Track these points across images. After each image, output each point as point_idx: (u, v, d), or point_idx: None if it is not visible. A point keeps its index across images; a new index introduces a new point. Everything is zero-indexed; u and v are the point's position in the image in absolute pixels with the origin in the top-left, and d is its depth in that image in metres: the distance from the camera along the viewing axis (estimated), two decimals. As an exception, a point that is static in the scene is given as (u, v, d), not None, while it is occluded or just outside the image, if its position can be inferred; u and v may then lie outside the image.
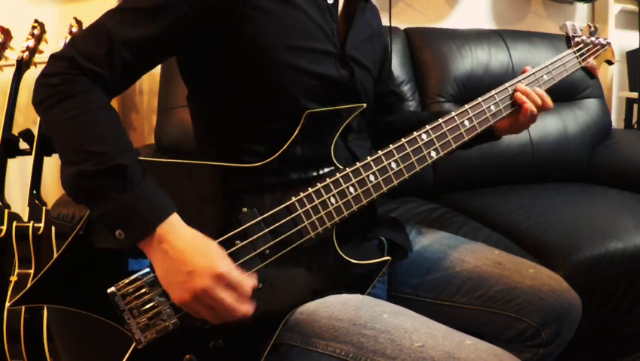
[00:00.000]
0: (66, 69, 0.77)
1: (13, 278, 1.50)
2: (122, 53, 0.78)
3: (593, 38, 1.19)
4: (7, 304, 1.47)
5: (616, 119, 2.70)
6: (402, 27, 2.04)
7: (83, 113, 0.75)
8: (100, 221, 0.73)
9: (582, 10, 2.61)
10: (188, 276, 0.70)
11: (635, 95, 2.54)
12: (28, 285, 0.76)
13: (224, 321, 0.74)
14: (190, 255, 0.71)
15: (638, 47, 2.52)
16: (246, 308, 0.74)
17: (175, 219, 0.74)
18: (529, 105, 0.98)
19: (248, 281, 0.74)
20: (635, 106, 2.64)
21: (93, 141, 0.73)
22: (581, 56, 1.14)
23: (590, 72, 1.19)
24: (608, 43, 1.22)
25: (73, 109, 0.75)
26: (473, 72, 1.97)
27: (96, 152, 0.72)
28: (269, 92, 0.86)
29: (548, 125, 2.02)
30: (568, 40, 1.16)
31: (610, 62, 1.24)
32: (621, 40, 2.61)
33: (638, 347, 1.64)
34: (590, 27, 1.20)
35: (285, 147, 0.84)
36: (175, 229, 0.73)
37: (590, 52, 1.17)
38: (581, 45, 1.15)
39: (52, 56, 0.79)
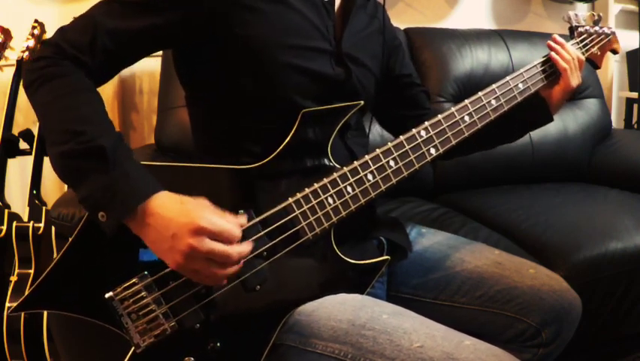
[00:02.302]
0: (52, 54, 0.79)
1: (13, 278, 1.50)
2: (104, 42, 0.79)
3: (597, 28, 1.15)
4: (7, 304, 1.48)
5: (616, 119, 2.70)
6: (402, 27, 2.03)
7: (65, 93, 0.76)
8: (84, 203, 0.73)
9: (582, 10, 2.61)
10: (173, 239, 0.70)
11: (635, 95, 2.54)
12: (27, 292, 0.76)
13: (228, 272, 0.73)
14: (170, 219, 0.71)
15: (638, 46, 2.52)
16: (239, 250, 0.73)
17: (159, 197, 0.73)
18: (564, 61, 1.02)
19: (232, 224, 0.73)
20: (635, 106, 2.64)
21: (74, 121, 0.74)
22: (584, 46, 1.11)
23: (594, 62, 1.16)
24: (613, 33, 1.18)
25: (56, 89, 0.77)
26: (473, 72, 1.97)
27: (76, 131, 0.73)
28: (266, 91, 0.86)
29: (548, 126, 1.99)
30: (571, 31, 1.12)
31: (615, 52, 1.20)
32: (621, 40, 2.59)
33: (638, 347, 1.64)
34: (593, 16, 1.15)
35: (281, 146, 0.84)
36: (157, 202, 0.72)
37: (594, 42, 1.13)
38: (585, 35, 1.12)
39: (42, 42, 0.82)
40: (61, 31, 0.82)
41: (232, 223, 0.73)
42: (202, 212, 0.71)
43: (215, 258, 0.71)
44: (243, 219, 0.76)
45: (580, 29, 1.12)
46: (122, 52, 0.83)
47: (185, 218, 0.70)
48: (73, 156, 0.73)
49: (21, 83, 1.63)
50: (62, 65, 0.78)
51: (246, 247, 0.74)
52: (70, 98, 0.76)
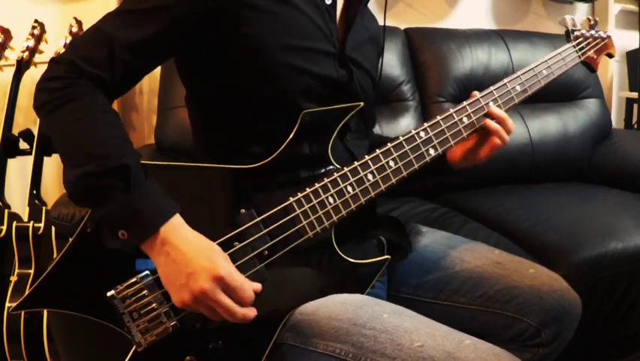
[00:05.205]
0: (67, 73, 0.77)
1: (13, 278, 1.50)
2: (122, 56, 0.78)
3: (592, 32, 1.17)
4: (7, 304, 1.48)
5: (616, 119, 2.70)
6: (402, 27, 2.04)
7: (85, 116, 0.76)
8: (102, 221, 0.73)
9: (582, 10, 2.61)
10: (189, 277, 0.71)
11: (635, 95, 2.54)
12: (28, 290, 0.77)
13: (223, 320, 0.74)
14: (192, 257, 0.72)
15: (638, 46, 2.52)
16: (244, 312, 0.74)
17: (178, 220, 0.74)
18: (503, 134, 0.94)
19: (248, 286, 0.74)
20: (635, 106, 2.64)
21: (96, 144, 0.74)
22: (580, 50, 1.12)
23: (590, 66, 1.18)
24: (608, 37, 1.20)
25: (75, 112, 0.76)
26: (473, 72, 1.97)
27: (99, 154, 0.73)
28: (267, 91, 0.86)
29: (548, 126, 2.02)
30: (567, 35, 1.14)
31: (610, 55, 1.22)
32: (621, 40, 2.61)
33: (638, 347, 1.64)
34: (589, 20, 1.18)
35: (282, 147, 0.84)
36: (178, 230, 0.73)
37: (590, 45, 1.15)
38: (581, 39, 1.14)
39: (53, 61, 0.80)
40: (73, 47, 0.80)
41: (249, 285, 0.75)
42: (224, 261, 0.73)
43: (218, 310, 0.72)
44: (258, 285, 0.77)
45: (576, 33, 1.15)
46: (140, 62, 0.82)
47: (207, 262, 0.72)
48: (95, 176, 0.72)
49: (20, 84, 1.66)
50: (79, 85, 0.77)
51: (252, 313, 0.75)
52: (89, 120, 0.75)
